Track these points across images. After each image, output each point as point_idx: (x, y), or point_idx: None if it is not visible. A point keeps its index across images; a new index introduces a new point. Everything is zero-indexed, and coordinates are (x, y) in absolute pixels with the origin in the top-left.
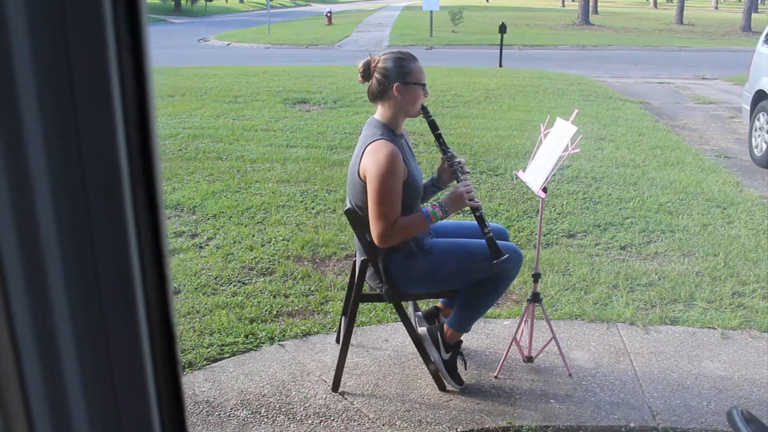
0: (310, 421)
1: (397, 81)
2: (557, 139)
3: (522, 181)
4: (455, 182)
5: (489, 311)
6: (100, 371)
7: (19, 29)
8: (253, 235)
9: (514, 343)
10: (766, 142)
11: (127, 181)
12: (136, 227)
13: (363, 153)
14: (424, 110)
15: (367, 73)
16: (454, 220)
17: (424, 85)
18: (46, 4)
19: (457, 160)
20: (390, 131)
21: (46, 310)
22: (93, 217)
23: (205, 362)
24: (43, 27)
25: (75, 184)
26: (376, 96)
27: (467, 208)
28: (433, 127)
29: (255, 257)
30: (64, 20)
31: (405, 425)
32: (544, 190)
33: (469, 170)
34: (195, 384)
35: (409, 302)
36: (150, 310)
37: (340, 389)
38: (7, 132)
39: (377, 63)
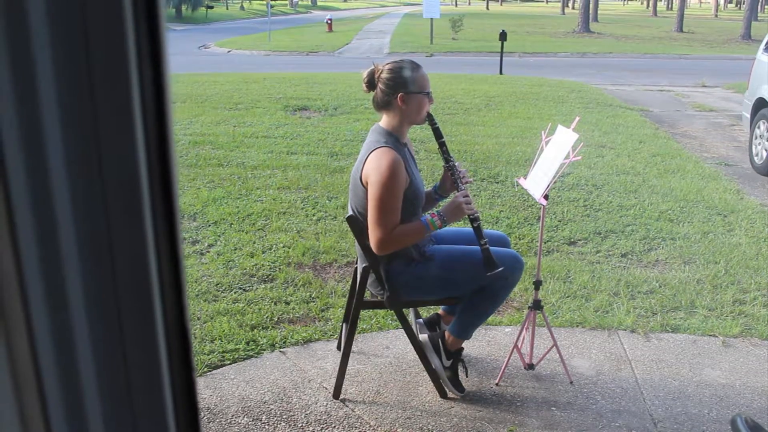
0: (311, 429)
1: (401, 91)
2: (558, 146)
3: (523, 188)
4: (456, 191)
5: (490, 318)
6: (117, 374)
7: (42, 39)
8: (254, 242)
9: (515, 350)
10: (766, 150)
11: (146, 187)
12: (154, 233)
13: (366, 159)
14: (430, 118)
15: (371, 83)
16: (455, 227)
17: (428, 93)
18: (68, 13)
19: (459, 170)
20: (395, 139)
21: (64, 314)
22: (112, 222)
23: (206, 369)
24: (65, 36)
25: (95, 191)
26: (381, 106)
27: (467, 216)
28: (438, 135)
29: (256, 264)
30: (85, 29)
31: None
32: (546, 197)
33: (471, 179)
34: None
35: (410, 309)
36: (166, 316)
37: (341, 396)
38: (29, 138)
39: (381, 73)
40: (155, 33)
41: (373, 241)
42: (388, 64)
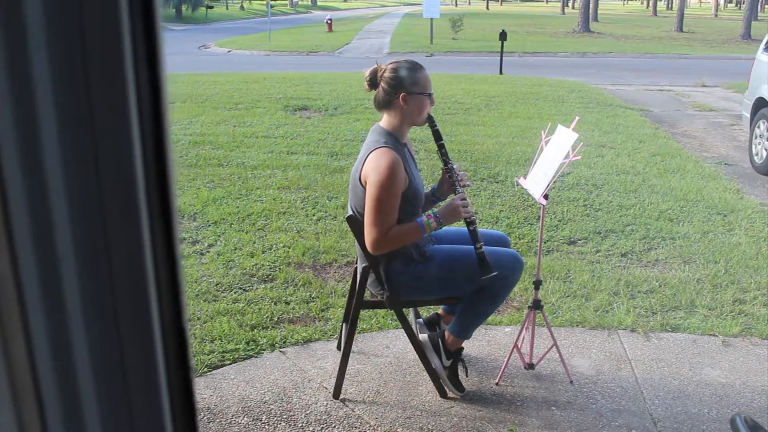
0: (311, 428)
1: (403, 90)
2: (558, 146)
3: (523, 188)
4: (454, 194)
5: (490, 318)
6: (114, 376)
7: (38, 38)
8: (254, 242)
9: (515, 350)
10: (766, 150)
11: (143, 187)
12: (151, 233)
13: (366, 159)
14: (430, 119)
15: (373, 81)
16: (455, 227)
17: (430, 94)
18: (65, 13)
19: (458, 173)
20: (394, 139)
21: (61, 315)
22: (108, 223)
23: (205, 369)
24: (62, 36)
25: (91, 191)
26: (383, 105)
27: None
28: (437, 136)
29: (256, 264)
30: (82, 29)
31: None
32: (545, 197)
33: (469, 183)
34: (196, 391)
35: (410, 309)
36: (164, 316)
37: (341, 396)
38: (25, 138)
39: (384, 72)
40: (152, 33)
41: (368, 240)
42: (391, 63)
